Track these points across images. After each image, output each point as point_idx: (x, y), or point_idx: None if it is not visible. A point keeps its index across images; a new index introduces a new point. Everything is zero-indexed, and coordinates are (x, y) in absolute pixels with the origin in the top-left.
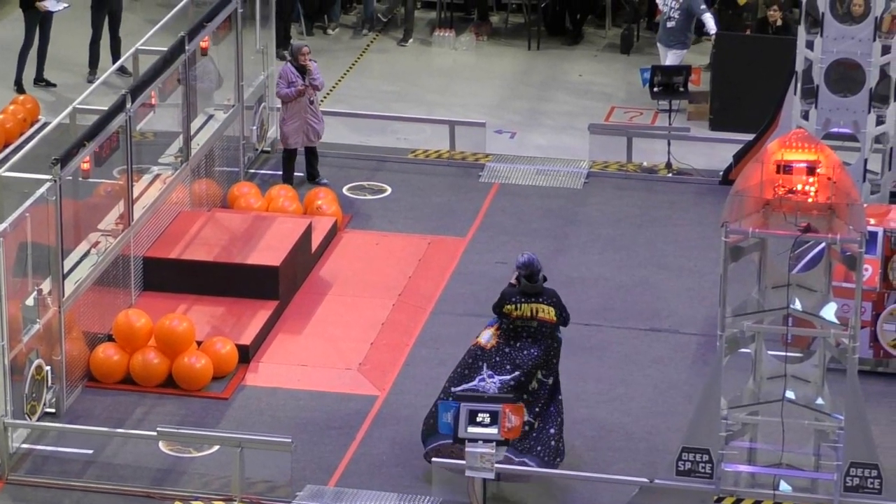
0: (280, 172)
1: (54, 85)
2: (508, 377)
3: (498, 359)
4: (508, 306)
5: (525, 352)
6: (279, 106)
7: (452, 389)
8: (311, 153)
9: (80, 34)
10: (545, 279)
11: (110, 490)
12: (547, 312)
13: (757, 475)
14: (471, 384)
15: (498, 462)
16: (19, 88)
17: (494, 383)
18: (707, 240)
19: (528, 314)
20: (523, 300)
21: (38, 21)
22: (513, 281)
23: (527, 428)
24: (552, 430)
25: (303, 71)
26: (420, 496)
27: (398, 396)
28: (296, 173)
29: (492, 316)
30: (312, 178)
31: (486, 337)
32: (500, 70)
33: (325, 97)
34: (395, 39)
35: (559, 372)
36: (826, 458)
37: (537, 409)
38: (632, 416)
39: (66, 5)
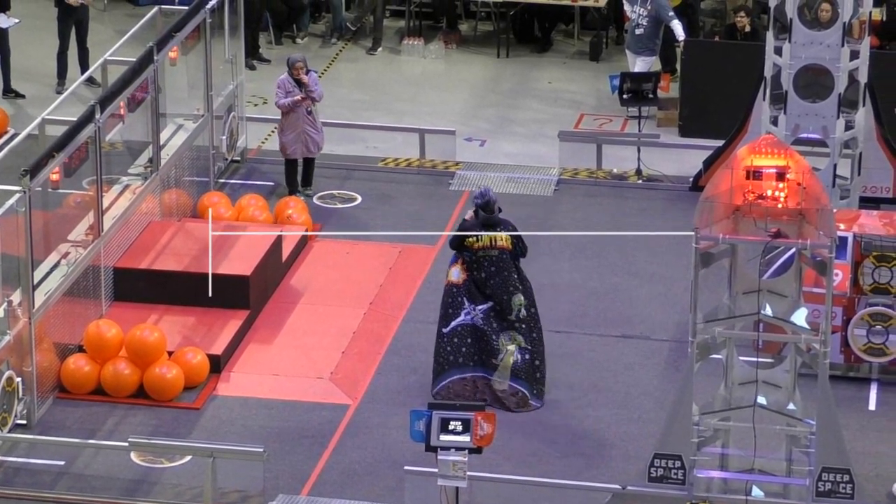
0: (254, 182)
1: (23, 96)
2: (485, 306)
3: (474, 289)
4: (469, 239)
5: (492, 281)
6: (249, 116)
7: (443, 331)
8: (307, 163)
9: (47, 45)
10: (500, 210)
11: (82, 501)
12: (505, 240)
13: (729, 481)
14: (458, 320)
15: (501, 390)
16: (6, 92)
17: (478, 314)
18: (678, 246)
19: (489, 243)
20: (483, 231)
21: None
22: (466, 217)
23: (528, 356)
24: (538, 363)
25: (300, 82)
26: None
27: (370, 405)
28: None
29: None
30: (303, 185)
31: (456, 273)
32: (470, 78)
33: None
34: (364, 48)
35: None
36: (798, 463)
37: (534, 336)
38: (604, 422)
39: (16, 21)
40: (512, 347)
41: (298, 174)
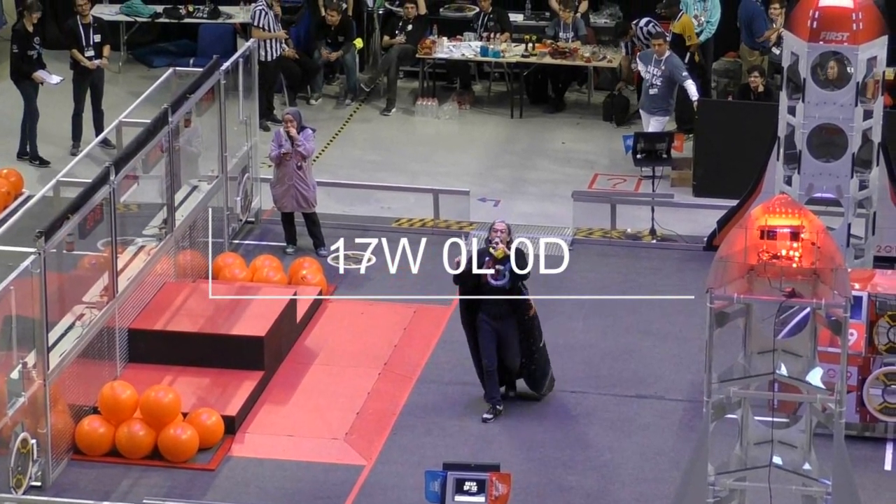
0: (265, 243)
1: (47, 163)
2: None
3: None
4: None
5: None
6: (263, 176)
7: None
8: (307, 220)
9: (62, 107)
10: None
11: None
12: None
13: None
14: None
15: None
16: (33, 158)
17: None
18: (692, 306)
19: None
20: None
21: (36, 91)
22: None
23: None
24: None
25: (290, 135)
26: None
27: (385, 466)
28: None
29: None
30: (316, 247)
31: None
32: (484, 138)
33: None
34: (378, 109)
35: None
36: None
37: None
38: (619, 483)
39: (61, 78)
40: None
41: (309, 231)
